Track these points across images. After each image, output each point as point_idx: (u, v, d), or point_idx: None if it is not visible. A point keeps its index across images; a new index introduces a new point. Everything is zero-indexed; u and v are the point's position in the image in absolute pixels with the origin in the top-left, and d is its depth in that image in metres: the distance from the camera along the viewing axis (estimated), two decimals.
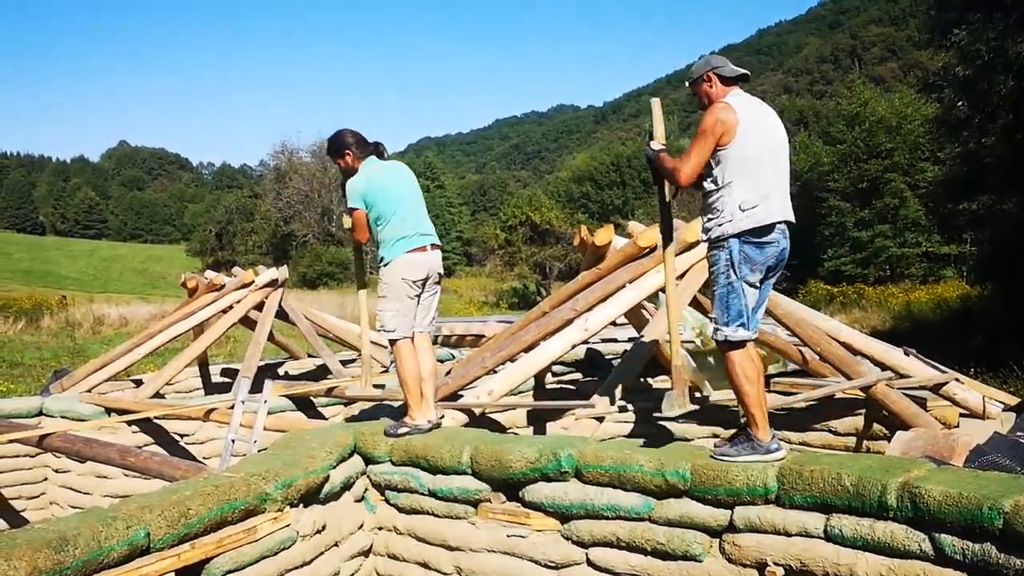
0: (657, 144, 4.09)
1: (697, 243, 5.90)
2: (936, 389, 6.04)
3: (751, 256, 3.76)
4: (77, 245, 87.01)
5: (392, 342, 4.98)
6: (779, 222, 3.79)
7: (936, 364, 6.35)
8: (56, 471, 7.08)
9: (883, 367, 6.10)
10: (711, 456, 3.78)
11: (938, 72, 20.91)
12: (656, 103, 4.33)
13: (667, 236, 4.32)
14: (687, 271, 6.05)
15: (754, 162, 3.76)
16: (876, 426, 6.16)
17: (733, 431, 3.99)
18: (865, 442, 6.22)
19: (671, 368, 4.10)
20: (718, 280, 3.84)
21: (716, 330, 3.86)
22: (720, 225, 3.78)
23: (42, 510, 7.10)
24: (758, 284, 3.84)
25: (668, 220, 4.31)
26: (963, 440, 4.81)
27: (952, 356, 10.11)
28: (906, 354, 6.38)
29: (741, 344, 3.81)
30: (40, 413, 7.19)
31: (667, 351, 7.17)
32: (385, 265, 4.96)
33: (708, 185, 3.86)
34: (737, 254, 3.75)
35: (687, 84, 4.13)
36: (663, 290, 6.00)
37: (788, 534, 3.44)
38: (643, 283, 5.90)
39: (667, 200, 4.20)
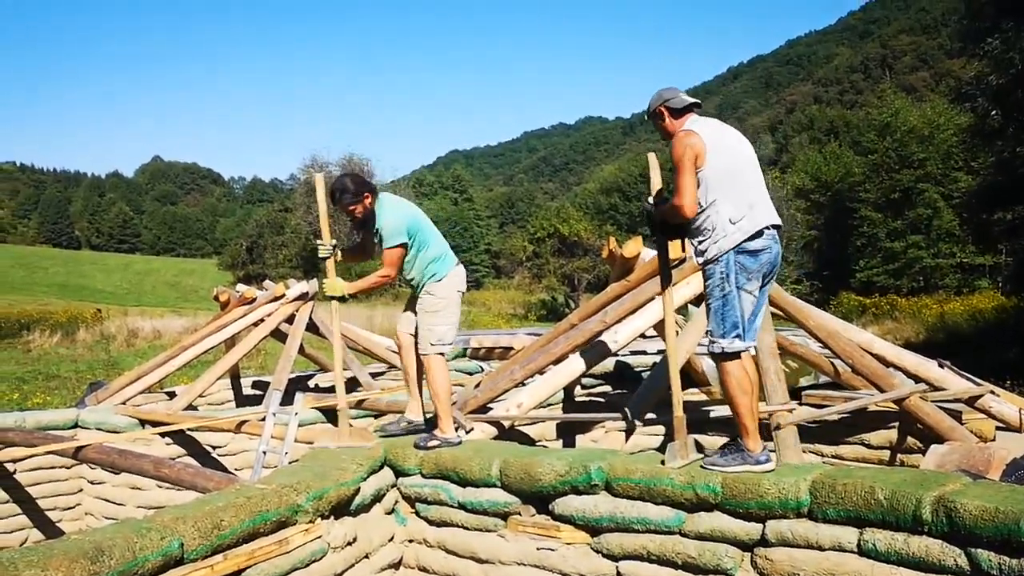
0: (653, 198, 4.21)
1: None
2: (971, 402, 5.96)
3: (746, 265, 3.82)
4: (112, 259, 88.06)
5: (429, 355, 5.06)
6: (767, 227, 3.85)
7: (971, 376, 6.27)
8: (91, 482, 7.17)
9: (917, 379, 6.03)
10: (701, 466, 3.84)
11: (971, 81, 20.72)
12: (653, 158, 4.41)
13: (666, 280, 4.40)
14: None
15: (731, 177, 3.84)
16: (910, 439, 6.09)
17: (725, 441, 4.02)
18: (899, 455, 6.15)
19: (673, 419, 4.15)
20: (713, 293, 3.90)
21: (712, 342, 3.91)
22: (716, 243, 3.84)
23: (77, 521, 7.18)
24: (756, 292, 3.89)
25: (667, 270, 4.39)
26: (999, 453, 4.74)
27: (988, 368, 9.99)
28: (940, 366, 6.30)
29: (737, 355, 3.86)
30: (76, 425, 7.29)
31: (697, 364, 7.18)
32: (438, 280, 5.07)
33: None
34: (733, 265, 3.81)
35: (647, 118, 4.21)
36: (693, 302, 5.99)
37: (821, 548, 3.40)
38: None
39: (668, 256, 4.32)
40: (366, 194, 4.97)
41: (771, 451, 3.86)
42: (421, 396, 5.39)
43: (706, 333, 4.00)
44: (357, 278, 5.24)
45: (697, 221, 3.89)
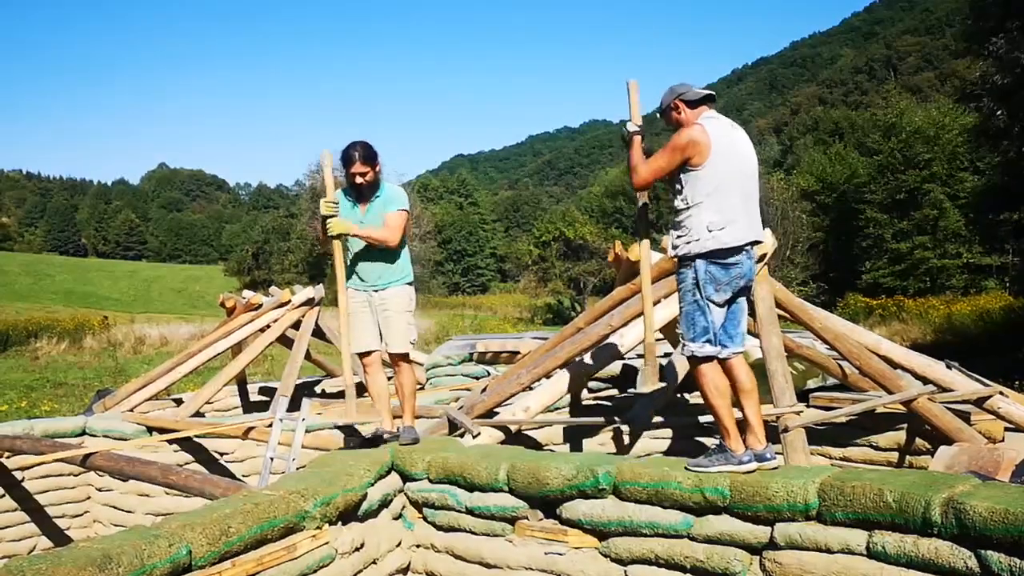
0: (633, 125, 4.22)
1: None
2: (980, 403, 5.94)
3: (716, 276, 3.86)
4: (118, 266, 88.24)
5: (406, 355, 5.12)
6: (745, 245, 3.89)
7: (979, 377, 6.24)
8: (99, 489, 7.18)
9: (925, 381, 6.01)
10: (685, 468, 3.89)
11: (976, 81, 20.71)
12: (633, 85, 4.41)
13: (644, 233, 4.46)
14: None
15: (723, 186, 3.86)
16: (919, 441, 6.07)
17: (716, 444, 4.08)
18: (908, 457, 6.13)
19: (645, 347, 4.21)
20: (684, 297, 3.96)
21: (683, 346, 3.99)
22: (688, 243, 3.89)
23: (86, 528, 7.20)
24: (723, 304, 3.93)
25: (644, 217, 4.46)
26: (1008, 455, 4.73)
27: (996, 369, 9.95)
28: (948, 367, 6.28)
29: (708, 359, 3.91)
30: (84, 432, 7.30)
31: None
32: (410, 283, 5.15)
33: (678, 203, 3.95)
34: (703, 274, 3.86)
35: (659, 116, 4.22)
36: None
37: (830, 551, 3.39)
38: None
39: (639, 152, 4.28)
40: (377, 162, 4.99)
41: (769, 456, 3.87)
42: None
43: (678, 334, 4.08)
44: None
45: (680, 215, 3.94)
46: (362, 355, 5.17)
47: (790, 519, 3.51)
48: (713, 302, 3.88)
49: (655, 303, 5.84)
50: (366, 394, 5.82)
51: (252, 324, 8.88)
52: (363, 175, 4.89)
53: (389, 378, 5.46)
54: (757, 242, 3.99)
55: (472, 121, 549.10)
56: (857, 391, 6.43)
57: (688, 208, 3.88)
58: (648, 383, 4.06)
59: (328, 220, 4.87)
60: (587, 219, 53.33)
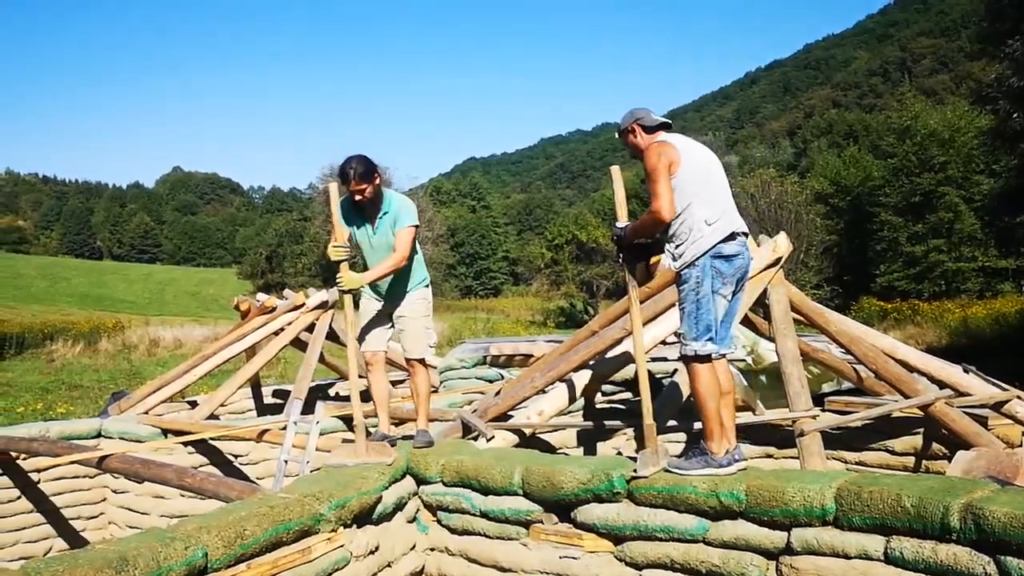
0: (621, 223, 4.26)
1: None
2: (997, 407, 5.88)
3: (722, 270, 3.94)
4: (133, 269, 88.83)
5: (422, 360, 5.11)
6: (738, 232, 4.00)
7: (997, 381, 6.19)
8: (115, 491, 7.20)
9: (941, 385, 5.96)
10: (665, 470, 3.91)
11: (991, 83, 20.59)
12: (616, 171, 4.40)
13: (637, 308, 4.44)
14: None
15: (704, 181, 3.97)
16: (936, 445, 6.03)
17: (684, 446, 4.10)
18: (924, 462, 6.08)
19: (644, 427, 4.18)
20: (687, 297, 3.98)
21: (684, 345, 4.00)
22: (693, 243, 3.93)
23: (101, 530, 7.22)
24: (729, 297, 4.02)
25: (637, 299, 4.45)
26: None
27: (1012, 372, 9.86)
28: (965, 371, 6.23)
29: (708, 358, 3.95)
30: (99, 435, 7.32)
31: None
32: (427, 286, 5.14)
33: None
34: (709, 269, 3.91)
35: (617, 135, 4.31)
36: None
37: (847, 556, 3.37)
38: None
39: (636, 278, 4.38)
40: (376, 175, 4.85)
41: (737, 459, 3.91)
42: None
43: (676, 335, 4.08)
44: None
45: (673, 227, 3.98)
46: (367, 353, 5.18)
47: (807, 524, 3.49)
48: (720, 295, 3.95)
49: (671, 306, 5.83)
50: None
51: (266, 327, 8.89)
52: (361, 191, 4.78)
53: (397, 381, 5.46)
54: (747, 234, 4.11)
55: (485, 124, 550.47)
56: (873, 395, 6.39)
57: (680, 214, 3.94)
58: (649, 466, 4.02)
59: (339, 277, 4.74)
60: (600, 222, 53.27)
